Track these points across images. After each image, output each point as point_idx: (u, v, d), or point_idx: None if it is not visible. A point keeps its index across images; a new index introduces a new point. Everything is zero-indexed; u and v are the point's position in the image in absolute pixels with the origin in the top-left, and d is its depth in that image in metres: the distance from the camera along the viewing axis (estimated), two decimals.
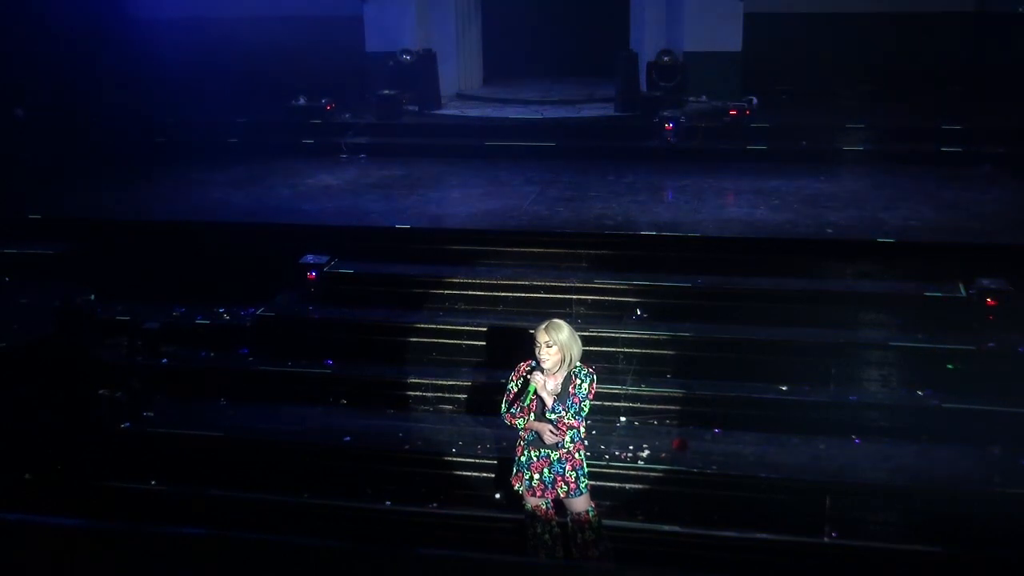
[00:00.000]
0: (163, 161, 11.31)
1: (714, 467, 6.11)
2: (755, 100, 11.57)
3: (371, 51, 13.66)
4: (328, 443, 6.65)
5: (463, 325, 7.40)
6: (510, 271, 7.89)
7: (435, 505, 6.25)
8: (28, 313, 8.13)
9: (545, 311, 6.97)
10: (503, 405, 5.30)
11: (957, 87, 12.57)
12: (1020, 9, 12.65)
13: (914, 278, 7.40)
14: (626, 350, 7.06)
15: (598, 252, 8.01)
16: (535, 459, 5.25)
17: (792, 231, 8.08)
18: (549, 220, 8.58)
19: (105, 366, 7.51)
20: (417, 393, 7.06)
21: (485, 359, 7.21)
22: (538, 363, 5.15)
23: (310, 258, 7.96)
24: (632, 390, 6.77)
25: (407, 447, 6.55)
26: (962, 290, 7.14)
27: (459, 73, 14.43)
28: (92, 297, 8.09)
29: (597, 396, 5.25)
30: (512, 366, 5.38)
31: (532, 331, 5.22)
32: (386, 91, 12.44)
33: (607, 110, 12.74)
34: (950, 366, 6.65)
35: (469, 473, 6.37)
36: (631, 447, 6.33)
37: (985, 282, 6.99)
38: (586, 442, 5.38)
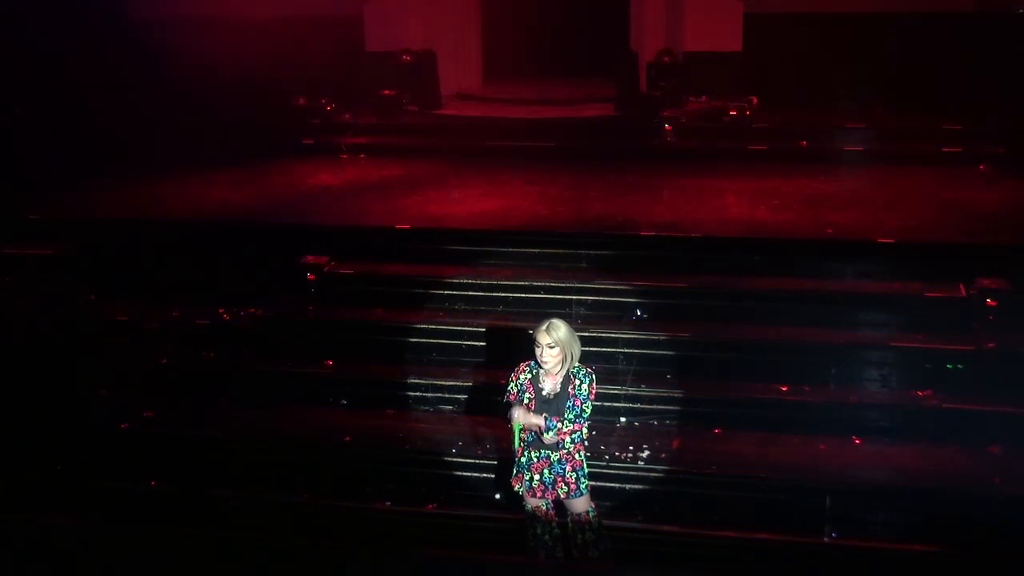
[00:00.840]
0: (163, 161, 11.30)
1: (714, 467, 6.11)
2: (755, 100, 11.58)
3: (371, 51, 13.66)
4: (328, 443, 6.65)
5: (463, 325, 7.40)
6: (510, 271, 7.89)
7: (435, 505, 6.25)
8: (28, 313, 8.13)
9: (545, 311, 6.97)
10: (503, 406, 5.30)
11: (957, 87, 12.56)
12: (1020, 10, 12.65)
13: (914, 278, 7.40)
14: (626, 350, 7.06)
15: (598, 252, 8.00)
16: (535, 460, 5.25)
17: (792, 231, 8.08)
18: (549, 220, 8.58)
19: (105, 366, 7.52)
20: (417, 393, 7.07)
21: (485, 359, 7.21)
22: (538, 364, 5.15)
23: (310, 258, 7.96)
24: (632, 390, 6.77)
25: (407, 447, 6.56)
26: (962, 290, 7.14)
27: (459, 73, 14.42)
28: (92, 297, 8.09)
29: (597, 396, 5.25)
30: (512, 366, 5.38)
31: (531, 331, 5.22)
32: (386, 91, 12.44)
33: (607, 110, 12.74)
34: (950, 366, 6.65)
35: (469, 473, 6.37)
36: (631, 447, 6.33)
37: (985, 282, 7.00)
38: (586, 443, 5.38)
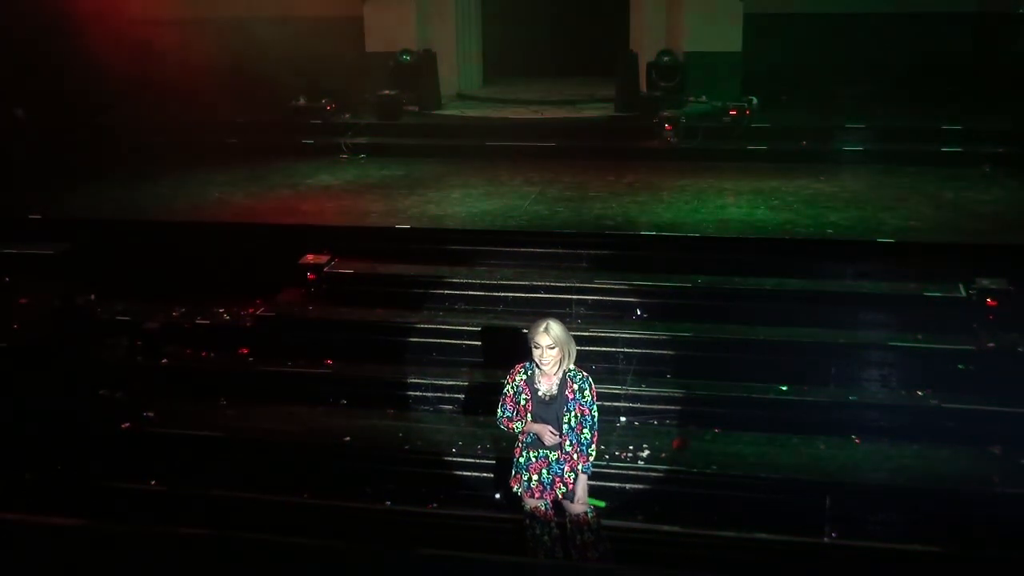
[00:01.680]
0: (163, 161, 11.30)
1: (714, 467, 6.11)
2: (755, 100, 11.58)
3: (371, 51, 13.67)
4: (328, 443, 6.65)
5: (463, 325, 7.40)
6: (510, 271, 7.89)
7: (435, 505, 6.25)
8: (28, 313, 8.13)
9: (545, 311, 6.97)
10: (499, 410, 5.30)
11: (957, 87, 12.57)
12: (1020, 10, 12.66)
13: (914, 278, 7.40)
14: (626, 350, 7.05)
15: (598, 252, 8.01)
16: (534, 460, 5.25)
17: (792, 231, 8.08)
18: (549, 220, 8.58)
19: (105, 366, 7.52)
20: (417, 393, 7.06)
21: (485, 359, 7.21)
22: (533, 365, 5.15)
23: (310, 258, 7.96)
24: (632, 390, 6.77)
25: (407, 447, 6.55)
26: (962, 290, 7.14)
27: (459, 73, 14.44)
28: (92, 297, 8.09)
29: (597, 396, 5.25)
30: (512, 366, 5.37)
31: (525, 331, 5.20)
32: (386, 91, 12.45)
33: (607, 110, 12.75)
34: (949, 366, 6.65)
35: (469, 473, 6.37)
36: (631, 447, 6.33)
37: (985, 282, 7.00)
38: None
